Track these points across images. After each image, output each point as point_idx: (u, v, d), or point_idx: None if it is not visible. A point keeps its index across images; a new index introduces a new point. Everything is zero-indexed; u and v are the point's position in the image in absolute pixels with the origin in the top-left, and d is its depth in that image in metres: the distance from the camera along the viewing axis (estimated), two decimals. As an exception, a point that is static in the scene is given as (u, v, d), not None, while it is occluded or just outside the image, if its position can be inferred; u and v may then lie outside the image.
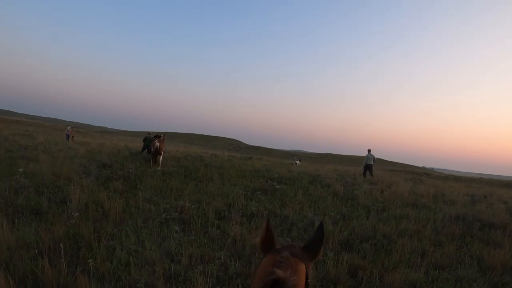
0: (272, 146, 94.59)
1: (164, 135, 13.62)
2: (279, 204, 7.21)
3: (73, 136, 24.79)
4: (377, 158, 16.91)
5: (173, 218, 5.53)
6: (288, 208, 6.89)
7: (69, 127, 27.40)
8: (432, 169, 70.95)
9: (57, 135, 28.59)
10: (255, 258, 4.14)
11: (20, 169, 7.63)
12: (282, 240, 4.79)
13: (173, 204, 6.32)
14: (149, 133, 16.51)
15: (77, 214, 5.00)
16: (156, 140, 12.09)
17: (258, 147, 77.96)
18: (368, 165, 16.01)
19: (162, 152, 12.17)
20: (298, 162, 25.44)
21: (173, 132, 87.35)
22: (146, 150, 14.74)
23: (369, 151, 16.25)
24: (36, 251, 3.69)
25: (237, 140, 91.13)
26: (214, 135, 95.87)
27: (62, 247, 3.64)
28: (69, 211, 5.18)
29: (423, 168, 61.30)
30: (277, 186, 9.25)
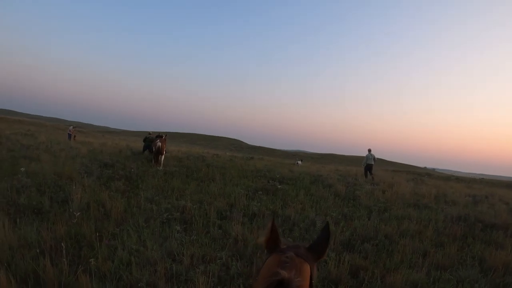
0: (273, 146, 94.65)
1: (166, 135, 13.63)
2: (280, 204, 7.21)
3: (75, 136, 24.85)
4: (378, 158, 16.89)
5: (175, 218, 5.53)
6: (289, 208, 6.89)
7: (71, 126, 27.47)
8: (433, 169, 70.79)
9: (59, 134, 28.67)
10: (256, 258, 4.14)
11: (22, 169, 7.66)
12: (284, 240, 4.79)
13: (174, 204, 6.32)
14: (149, 133, 16.49)
15: (78, 213, 5.01)
16: (158, 140, 12.09)
17: (260, 147, 77.98)
18: (369, 165, 15.99)
19: (164, 152, 12.18)
20: (299, 162, 25.43)
21: (175, 132, 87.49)
22: (147, 150, 14.75)
23: (369, 150, 16.23)
24: (37, 251, 3.70)
25: (239, 140, 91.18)
26: (216, 135, 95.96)
27: (64, 247, 3.65)
28: (70, 210, 5.20)
29: (425, 168, 61.18)
30: (279, 186, 9.24)
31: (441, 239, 5.81)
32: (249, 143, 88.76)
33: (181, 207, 6.11)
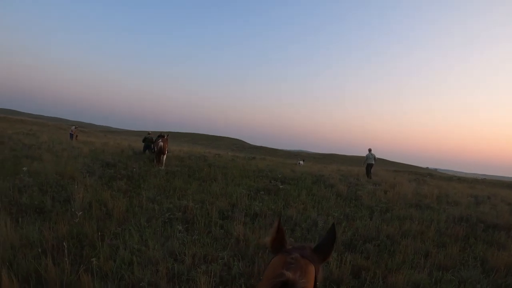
0: (275, 146, 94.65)
1: (168, 135, 13.63)
2: (282, 204, 7.21)
3: (76, 136, 24.93)
4: (380, 158, 16.92)
5: (177, 218, 5.54)
6: (291, 208, 6.88)
7: (73, 126, 27.58)
8: (435, 169, 70.62)
9: (61, 134, 28.75)
10: (258, 258, 4.14)
11: (24, 168, 7.68)
12: (290, 241, 4.78)
13: (176, 204, 6.33)
14: (148, 133, 16.41)
15: (80, 213, 5.02)
16: (160, 140, 12.09)
17: (262, 147, 77.99)
18: (369, 164, 16.01)
19: (166, 152, 12.19)
20: (301, 162, 25.41)
21: (177, 132, 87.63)
22: (149, 149, 14.75)
23: (369, 150, 16.23)
24: (39, 250, 3.70)
25: (240, 140, 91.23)
26: (218, 135, 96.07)
27: (66, 246, 3.65)
28: (72, 210, 5.20)
29: (427, 168, 61.06)
30: (281, 186, 9.24)
31: (443, 240, 5.79)
32: (251, 143, 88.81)
33: (183, 207, 6.12)
